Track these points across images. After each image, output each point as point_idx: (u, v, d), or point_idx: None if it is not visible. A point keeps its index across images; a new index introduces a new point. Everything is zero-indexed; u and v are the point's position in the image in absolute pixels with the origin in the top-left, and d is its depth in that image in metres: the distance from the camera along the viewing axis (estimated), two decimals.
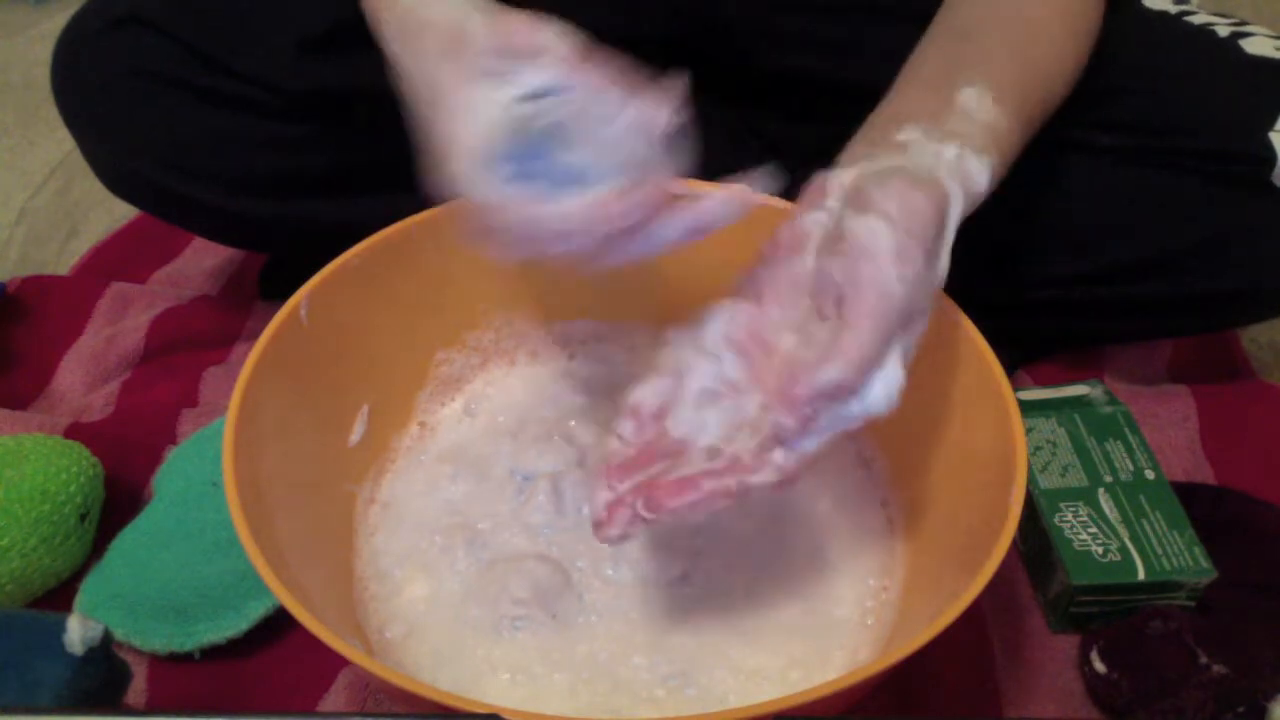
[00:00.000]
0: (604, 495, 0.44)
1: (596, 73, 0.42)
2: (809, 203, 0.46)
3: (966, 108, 0.48)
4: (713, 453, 0.44)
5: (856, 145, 0.49)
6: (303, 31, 0.63)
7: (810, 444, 0.42)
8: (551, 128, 0.42)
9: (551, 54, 0.42)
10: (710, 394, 0.45)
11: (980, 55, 0.52)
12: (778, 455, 0.42)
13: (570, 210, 0.42)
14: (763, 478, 0.42)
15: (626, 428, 0.45)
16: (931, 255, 0.43)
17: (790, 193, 0.50)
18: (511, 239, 0.43)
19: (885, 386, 0.42)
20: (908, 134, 0.47)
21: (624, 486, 0.43)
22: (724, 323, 0.46)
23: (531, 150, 0.42)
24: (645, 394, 0.46)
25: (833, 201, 0.45)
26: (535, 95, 0.42)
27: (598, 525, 0.43)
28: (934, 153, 0.46)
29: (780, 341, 0.45)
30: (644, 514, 0.42)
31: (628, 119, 0.42)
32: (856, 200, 0.44)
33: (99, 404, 0.73)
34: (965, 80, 0.49)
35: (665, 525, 0.45)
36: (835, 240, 0.44)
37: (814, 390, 0.41)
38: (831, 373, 0.41)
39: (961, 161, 0.46)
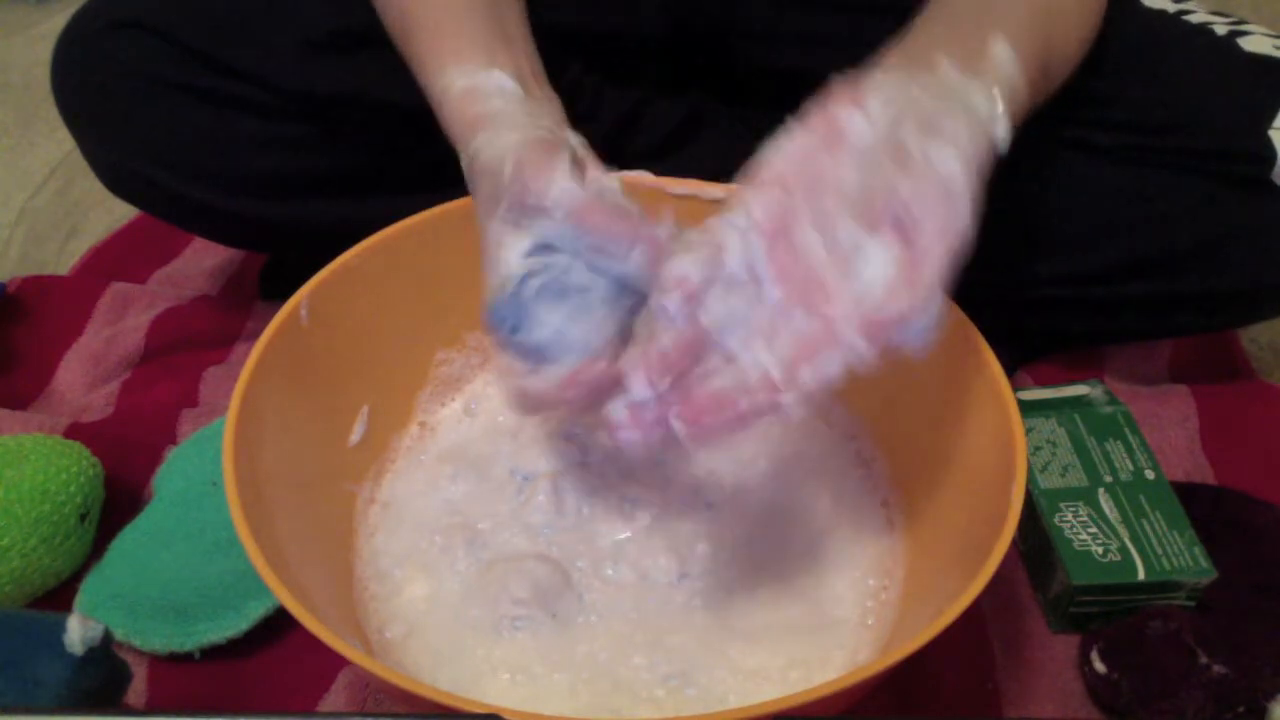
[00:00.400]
0: (641, 389, 0.40)
1: (603, 215, 0.44)
2: (847, 98, 0.42)
3: (998, 62, 0.46)
4: (728, 358, 0.41)
5: (892, 58, 0.47)
6: (305, 33, 0.63)
7: (835, 367, 0.39)
8: (557, 283, 0.45)
9: (561, 207, 0.43)
10: (738, 281, 0.41)
11: (1006, 10, 0.50)
12: (805, 373, 0.39)
13: (540, 388, 0.45)
14: (793, 398, 0.39)
15: (673, 303, 0.41)
16: (974, 200, 0.41)
17: None
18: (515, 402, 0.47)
19: (926, 320, 0.40)
20: (947, 68, 0.45)
21: (663, 384, 0.40)
22: (753, 205, 0.42)
23: (535, 310, 0.45)
24: (688, 267, 0.41)
25: (876, 106, 0.42)
26: (545, 247, 0.45)
27: (618, 427, 0.41)
28: (979, 94, 0.44)
29: (806, 239, 0.41)
30: (680, 425, 0.39)
31: (639, 253, 0.44)
32: (921, 120, 0.41)
33: (99, 404, 0.73)
34: (994, 33, 0.47)
35: (681, 448, 0.41)
36: (895, 152, 0.41)
37: (893, 316, 0.38)
38: (904, 301, 0.38)
39: (1004, 116, 0.44)
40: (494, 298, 0.45)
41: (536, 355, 0.45)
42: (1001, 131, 0.44)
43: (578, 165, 0.46)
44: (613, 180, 0.46)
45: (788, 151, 0.42)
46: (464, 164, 0.49)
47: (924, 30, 0.50)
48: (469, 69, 0.49)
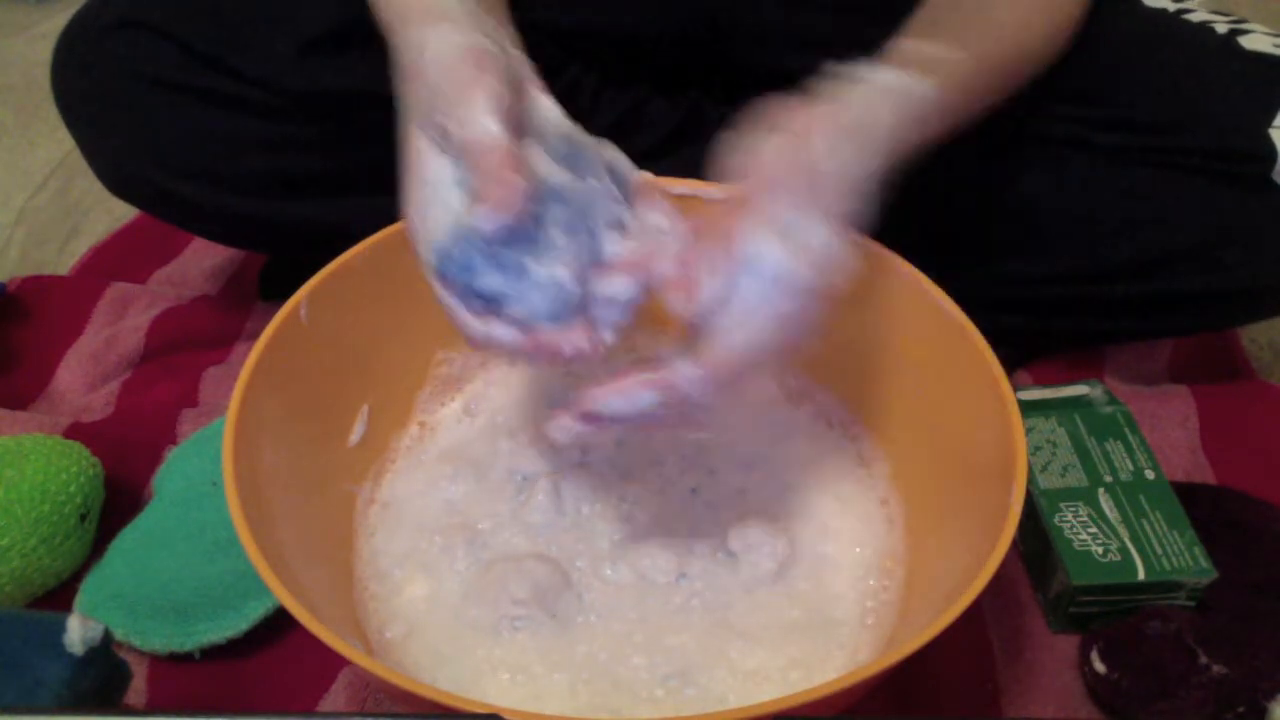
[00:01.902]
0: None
1: (509, 168, 0.41)
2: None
3: (903, 48, 0.50)
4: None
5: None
6: (304, 33, 0.63)
7: (736, 341, 0.42)
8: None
9: (470, 151, 0.41)
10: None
11: (947, 8, 0.54)
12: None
13: (500, 338, 0.44)
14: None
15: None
16: (811, 148, 0.43)
17: None
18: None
19: (773, 258, 0.42)
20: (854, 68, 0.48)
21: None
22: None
23: (489, 252, 0.42)
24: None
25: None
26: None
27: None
28: (865, 77, 0.47)
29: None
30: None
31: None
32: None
33: (99, 404, 0.73)
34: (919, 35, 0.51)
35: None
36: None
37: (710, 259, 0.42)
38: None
39: (867, 71, 0.47)
40: (443, 241, 0.43)
41: (491, 302, 0.44)
42: (911, 88, 0.47)
43: (513, 87, 0.44)
44: (552, 108, 0.45)
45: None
46: (395, 56, 0.47)
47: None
48: None
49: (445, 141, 0.43)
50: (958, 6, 0.55)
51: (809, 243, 0.43)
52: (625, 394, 0.43)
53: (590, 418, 0.44)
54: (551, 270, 0.43)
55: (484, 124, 0.41)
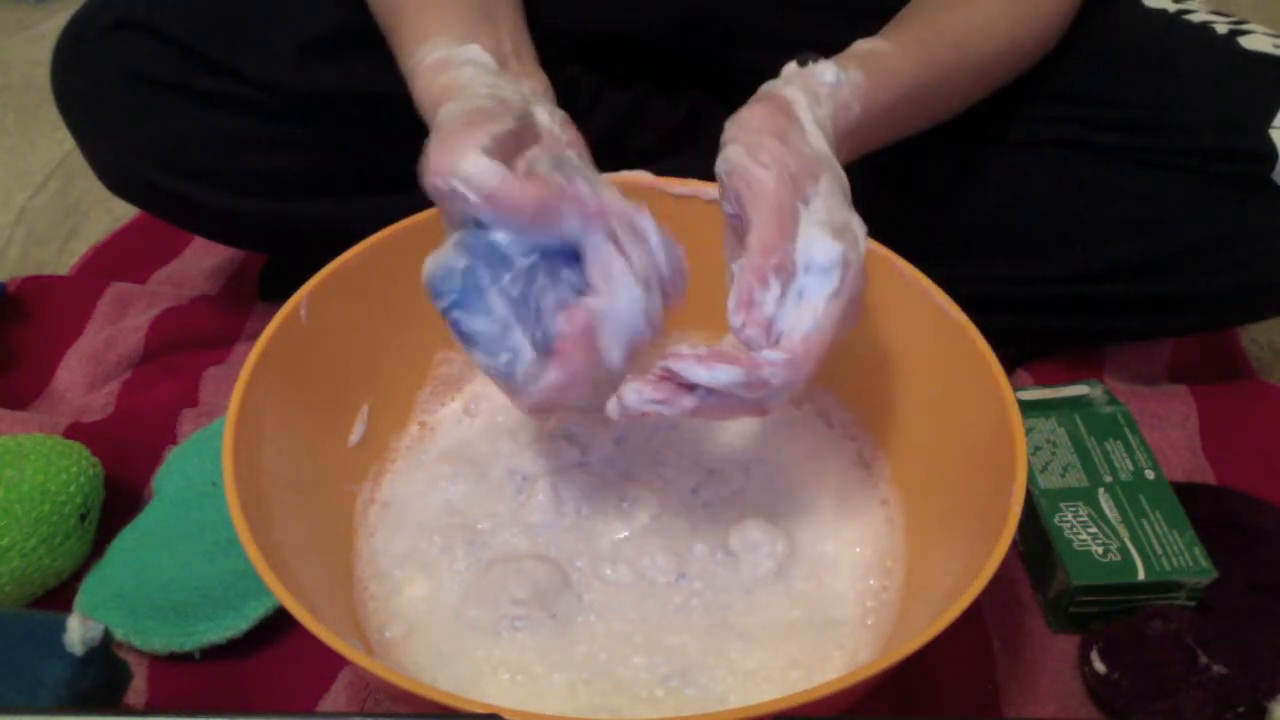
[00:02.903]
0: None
1: (520, 192, 0.41)
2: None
3: (850, 48, 0.52)
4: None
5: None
6: (304, 34, 0.63)
7: (804, 325, 0.42)
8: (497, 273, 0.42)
9: (473, 189, 0.41)
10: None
11: (905, 12, 0.56)
12: (771, 355, 0.43)
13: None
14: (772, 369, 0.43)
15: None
16: (781, 133, 0.44)
17: None
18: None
19: (824, 249, 0.42)
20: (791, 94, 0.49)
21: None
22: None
23: (480, 294, 0.42)
24: (632, 398, 0.43)
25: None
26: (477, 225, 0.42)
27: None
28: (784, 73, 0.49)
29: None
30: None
31: (571, 216, 0.42)
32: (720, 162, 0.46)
33: (99, 404, 0.73)
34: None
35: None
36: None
37: (743, 290, 0.42)
38: (746, 263, 0.42)
39: (803, 70, 0.48)
40: (435, 268, 0.43)
41: (468, 340, 0.43)
42: (819, 74, 0.49)
43: (523, 137, 0.44)
44: (571, 155, 0.45)
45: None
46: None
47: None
48: (444, 42, 0.49)
49: (439, 200, 0.43)
50: (922, 9, 0.56)
51: (846, 224, 0.44)
52: (707, 365, 0.41)
53: (667, 380, 0.42)
54: (523, 337, 0.43)
55: (477, 164, 0.40)
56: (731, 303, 0.43)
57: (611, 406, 0.43)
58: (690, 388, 0.42)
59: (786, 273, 0.42)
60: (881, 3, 0.59)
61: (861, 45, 0.53)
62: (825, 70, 0.49)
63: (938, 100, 0.57)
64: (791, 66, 0.49)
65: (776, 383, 0.42)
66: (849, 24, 0.60)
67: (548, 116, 0.47)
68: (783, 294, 0.42)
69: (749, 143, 0.44)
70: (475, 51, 0.48)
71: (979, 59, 0.57)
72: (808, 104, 0.47)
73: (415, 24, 0.51)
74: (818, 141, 0.46)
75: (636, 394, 0.42)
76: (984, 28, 0.57)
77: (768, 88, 0.48)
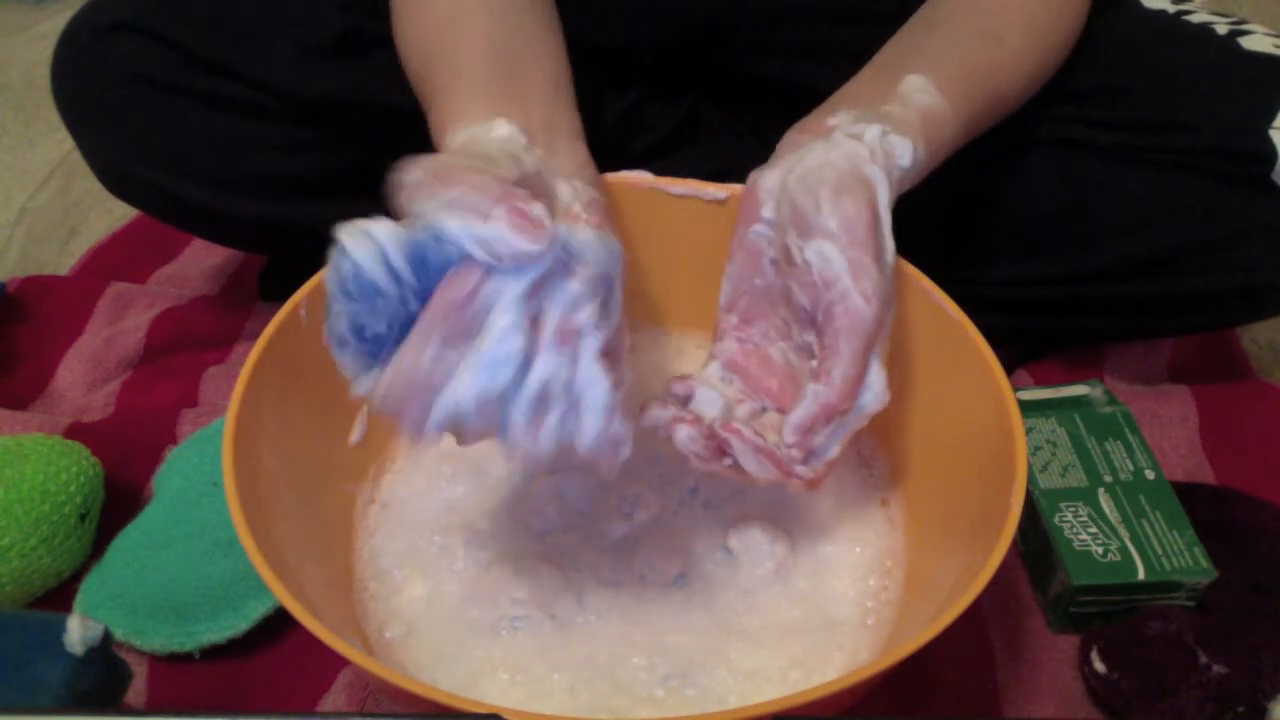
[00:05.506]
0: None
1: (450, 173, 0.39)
2: (747, 215, 0.48)
3: (905, 91, 0.50)
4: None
5: (792, 132, 0.50)
6: (305, 37, 0.63)
7: (830, 452, 0.45)
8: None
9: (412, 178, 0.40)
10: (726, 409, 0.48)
11: (939, 45, 0.54)
12: (801, 469, 0.45)
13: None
14: (795, 482, 0.46)
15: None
16: (879, 252, 0.44)
17: None
18: None
19: (873, 389, 0.44)
20: (838, 118, 0.49)
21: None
22: (720, 357, 0.50)
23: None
24: (688, 444, 0.47)
25: (767, 212, 0.47)
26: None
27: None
28: (857, 135, 0.47)
29: (772, 351, 0.49)
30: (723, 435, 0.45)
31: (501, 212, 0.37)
32: (796, 220, 0.45)
33: (99, 404, 0.73)
34: (914, 67, 0.51)
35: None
36: (788, 263, 0.46)
37: (808, 420, 0.44)
38: (824, 398, 0.43)
39: (884, 141, 0.47)
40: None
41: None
42: (898, 153, 0.47)
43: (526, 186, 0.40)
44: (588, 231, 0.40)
45: (733, 280, 0.50)
46: None
47: (848, 84, 0.54)
48: (470, 124, 0.48)
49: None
50: (954, 46, 0.54)
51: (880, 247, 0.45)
52: (758, 458, 0.45)
53: (713, 440, 0.46)
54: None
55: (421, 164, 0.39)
56: (794, 420, 0.44)
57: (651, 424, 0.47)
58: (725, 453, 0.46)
59: (847, 413, 0.44)
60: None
61: (920, 99, 0.50)
62: (904, 153, 0.47)
63: (965, 141, 0.55)
64: (874, 131, 0.47)
65: (791, 490, 0.46)
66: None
67: (569, 191, 0.47)
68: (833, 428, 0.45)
69: (853, 259, 0.43)
70: (501, 127, 0.47)
71: (1002, 104, 0.56)
72: (886, 194, 0.46)
73: (444, 105, 0.50)
74: (891, 252, 0.45)
75: (689, 438, 0.46)
76: (1012, 70, 0.56)
77: (852, 157, 0.45)
